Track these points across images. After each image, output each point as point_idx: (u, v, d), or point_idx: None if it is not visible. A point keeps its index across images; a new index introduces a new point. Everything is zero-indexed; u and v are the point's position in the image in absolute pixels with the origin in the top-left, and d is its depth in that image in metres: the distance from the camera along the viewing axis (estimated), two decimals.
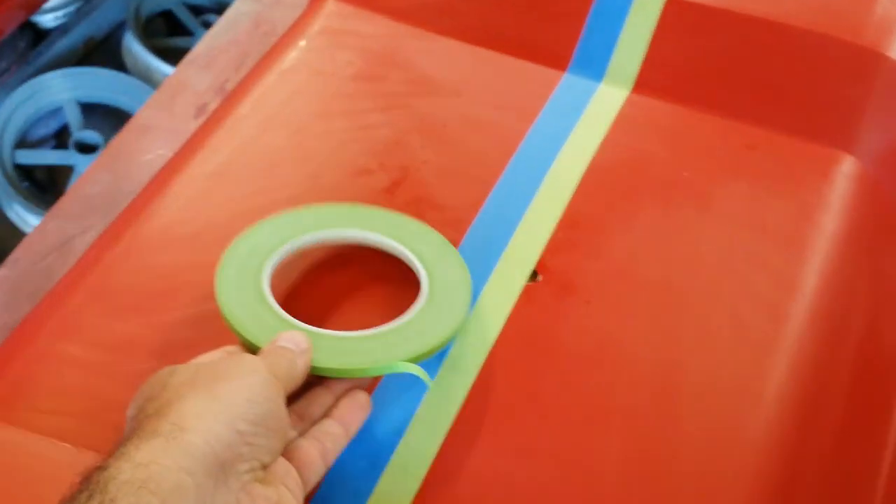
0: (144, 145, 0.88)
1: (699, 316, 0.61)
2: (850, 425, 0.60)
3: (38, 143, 1.39)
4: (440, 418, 0.56)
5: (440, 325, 0.58)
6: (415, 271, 0.61)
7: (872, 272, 0.66)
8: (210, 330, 0.58)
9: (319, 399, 0.52)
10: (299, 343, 0.51)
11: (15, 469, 0.56)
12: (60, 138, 1.39)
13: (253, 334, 0.54)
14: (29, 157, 1.34)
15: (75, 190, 0.85)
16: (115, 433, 0.46)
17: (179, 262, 0.64)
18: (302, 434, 0.50)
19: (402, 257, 0.62)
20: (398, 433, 0.56)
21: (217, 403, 0.43)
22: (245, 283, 0.58)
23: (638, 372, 0.59)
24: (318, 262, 0.64)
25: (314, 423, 0.51)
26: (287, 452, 0.47)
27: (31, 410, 0.58)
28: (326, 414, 0.52)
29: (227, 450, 0.42)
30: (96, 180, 0.85)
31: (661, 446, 0.56)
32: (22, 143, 1.36)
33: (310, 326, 0.57)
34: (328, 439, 0.49)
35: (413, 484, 0.53)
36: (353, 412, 0.51)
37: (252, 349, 0.54)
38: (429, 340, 0.56)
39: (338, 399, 0.52)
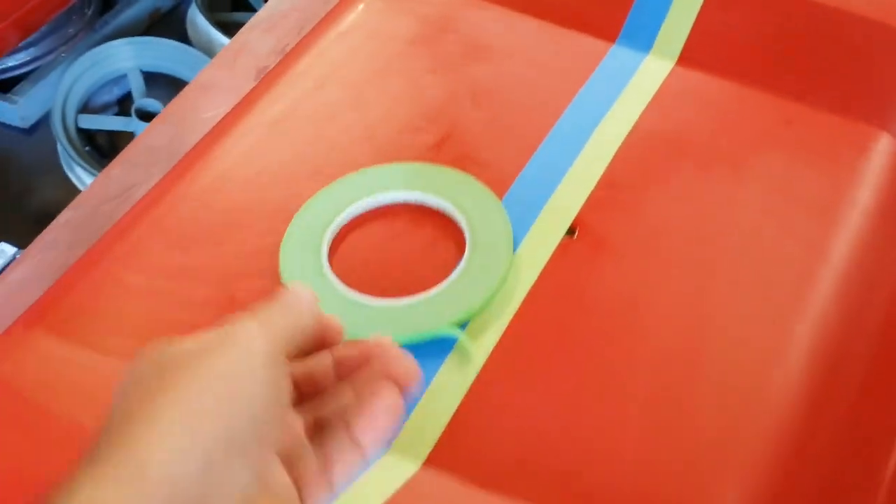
0: (205, 103, 0.92)
1: (729, 276, 0.63)
2: (869, 390, 0.62)
3: (100, 110, 1.44)
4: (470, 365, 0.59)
5: (480, 287, 0.61)
6: (461, 228, 0.65)
7: None
8: (264, 263, 0.63)
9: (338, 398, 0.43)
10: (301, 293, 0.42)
11: (76, 385, 0.60)
12: (122, 105, 1.44)
13: None
14: (92, 122, 1.39)
15: (139, 141, 0.89)
16: None
17: (238, 201, 0.68)
18: (312, 431, 0.41)
19: (449, 215, 0.66)
20: (427, 376, 0.58)
21: (194, 421, 0.35)
22: (306, 256, 0.64)
23: (666, 326, 0.61)
24: (370, 224, 0.68)
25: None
26: (289, 462, 0.39)
27: (94, 332, 0.63)
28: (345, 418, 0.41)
29: (199, 486, 0.34)
30: (159, 133, 0.89)
31: (685, 398, 0.58)
32: (85, 108, 1.42)
33: (361, 297, 0.61)
34: (339, 464, 0.40)
35: (437, 429, 0.56)
36: (375, 423, 0.41)
37: None
38: (470, 304, 0.60)
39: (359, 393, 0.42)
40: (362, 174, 0.68)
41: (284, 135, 0.72)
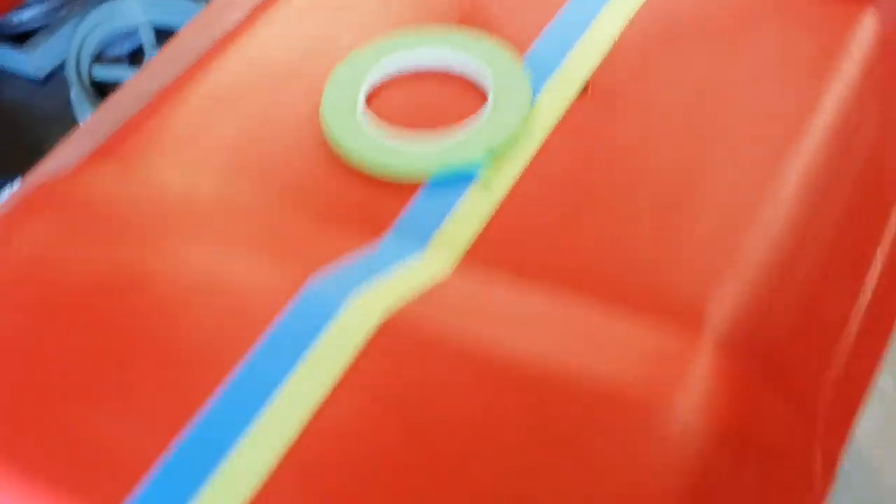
0: (230, 14, 0.97)
1: (726, 126, 0.68)
2: (851, 214, 0.67)
3: (113, 62, 1.49)
4: (483, 205, 0.64)
5: (501, 131, 0.67)
6: (484, 85, 0.71)
7: (882, 111, 0.73)
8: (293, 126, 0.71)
9: None
10: None
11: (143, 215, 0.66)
12: (134, 59, 1.49)
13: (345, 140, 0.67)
14: (106, 73, 1.44)
15: (167, 47, 0.94)
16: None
17: (276, 70, 0.76)
18: None
19: (473, 72, 0.72)
20: (451, 203, 0.64)
21: None
22: (342, 105, 0.71)
23: (665, 166, 0.66)
24: (401, 82, 0.74)
25: None
26: None
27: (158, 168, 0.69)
28: None
29: None
30: (187, 35, 0.94)
31: (681, 224, 0.62)
32: (98, 60, 1.46)
33: (392, 130, 0.68)
34: None
35: (448, 262, 0.61)
36: None
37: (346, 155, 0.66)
38: (493, 141, 0.66)
39: None
40: (390, 39, 0.75)
41: (308, 19, 0.80)
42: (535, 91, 0.71)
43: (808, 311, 0.61)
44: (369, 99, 0.73)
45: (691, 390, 0.52)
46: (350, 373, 0.54)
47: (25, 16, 1.44)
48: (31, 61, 1.42)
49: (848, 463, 1.47)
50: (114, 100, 0.90)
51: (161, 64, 0.91)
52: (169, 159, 0.70)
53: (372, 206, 0.65)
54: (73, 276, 0.63)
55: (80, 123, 1.40)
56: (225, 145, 0.71)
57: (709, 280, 0.58)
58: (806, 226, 0.63)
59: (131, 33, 1.45)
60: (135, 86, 0.90)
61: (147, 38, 1.44)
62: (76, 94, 1.37)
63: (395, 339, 0.55)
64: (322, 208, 0.66)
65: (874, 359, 0.65)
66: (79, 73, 1.40)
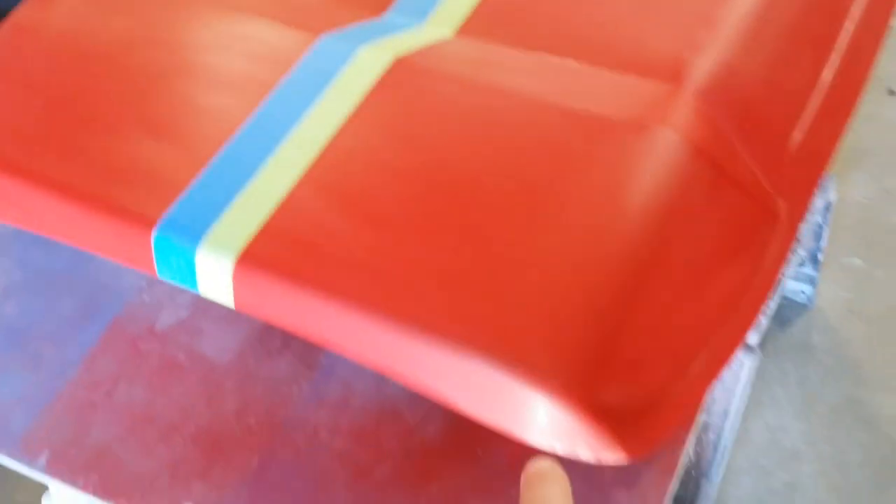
0: None
1: None
2: None
3: None
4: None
5: None
6: None
7: None
8: None
9: None
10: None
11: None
12: None
13: None
14: None
15: None
16: None
17: None
18: None
19: None
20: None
21: None
22: None
23: None
24: None
25: None
26: None
27: None
28: None
29: None
30: None
31: None
32: None
33: None
34: None
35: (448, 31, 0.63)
36: None
37: None
38: None
39: None
40: None
41: None
42: None
43: (779, 73, 0.66)
44: None
45: (674, 123, 0.57)
46: (365, 105, 0.58)
47: None
48: None
49: (816, 335, 1.55)
50: None
51: None
52: None
53: None
54: (110, 35, 0.65)
55: None
56: None
57: (689, 41, 0.63)
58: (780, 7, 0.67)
59: None
60: None
61: None
62: None
63: (405, 76, 0.59)
64: None
65: (840, 124, 0.71)
66: None
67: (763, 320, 1.18)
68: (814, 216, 1.20)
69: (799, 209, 0.62)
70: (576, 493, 0.55)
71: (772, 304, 1.23)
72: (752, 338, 1.15)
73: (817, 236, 1.33)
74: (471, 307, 0.49)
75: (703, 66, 0.60)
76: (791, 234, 0.61)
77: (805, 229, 1.24)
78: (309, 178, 0.53)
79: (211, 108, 0.58)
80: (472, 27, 0.62)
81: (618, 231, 0.51)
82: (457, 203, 0.51)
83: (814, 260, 1.39)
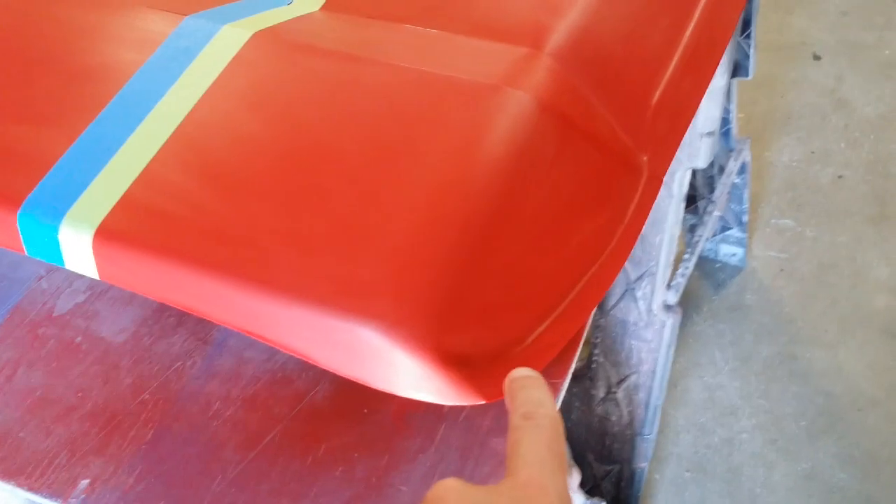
0: None
1: None
2: None
3: None
4: None
5: None
6: None
7: None
8: None
9: None
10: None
11: None
12: None
13: None
14: None
15: None
16: None
17: None
18: None
19: None
20: None
21: None
22: None
23: None
24: None
25: None
26: None
27: None
28: None
29: None
30: None
31: None
32: None
33: None
34: None
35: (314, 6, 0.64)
36: None
37: None
38: None
39: None
40: None
41: None
42: None
43: (640, 32, 0.66)
44: None
45: (526, 84, 0.57)
46: (222, 77, 0.57)
47: None
48: None
49: (749, 295, 1.59)
50: None
51: None
52: None
53: None
54: None
55: None
56: None
57: (548, 4, 0.64)
58: None
59: None
60: None
61: None
62: None
63: (262, 49, 0.59)
64: None
65: (702, 80, 0.73)
66: None
67: (681, 280, 1.22)
68: (730, 178, 1.23)
69: (663, 161, 0.65)
70: (455, 440, 0.58)
71: (692, 267, 1.26)
72: (671, 297, 1.19)
73: (739, 198, 1.37)
74: (322, 267, 0.51)
75: (561, 28, 0.62)
76: (655, 185, 0.63)
77: (724, 194, 1.27)
78: (166, 152, 0.55)
79: (77, 91, 0.60)
80: (338, 1, 0.64)
81: (466, 186, 0.53)
82: (310, 168, 0.54)
83: (739, 222, 1.43)
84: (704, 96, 0.99)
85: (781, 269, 1.62)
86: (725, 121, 1.18)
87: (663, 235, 1.09)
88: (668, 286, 1.13)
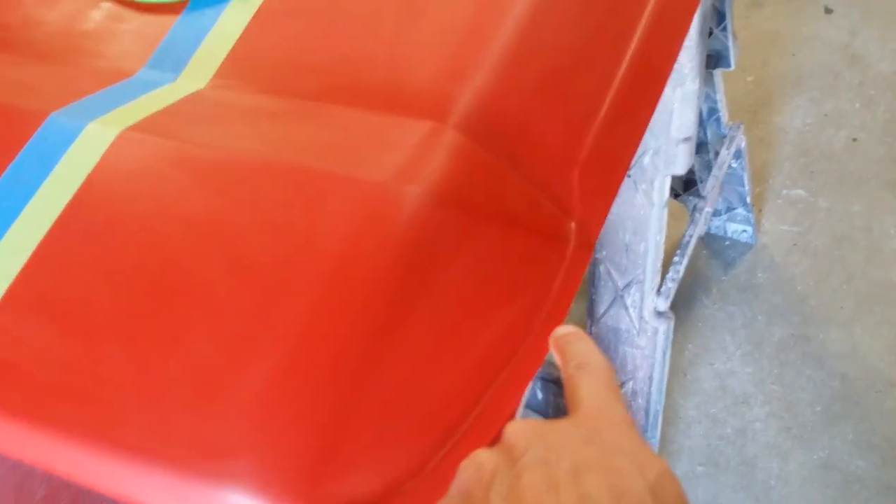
0: None
1: None
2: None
3: None
4: (240, 18, 0.62)
5: None
6: None
7: None
8: None
9: None
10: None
11: None
12: None
13: None
14: None
15: None
16: None
17: None
18: None
19: None
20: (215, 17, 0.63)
21: None
22: None
23: None
24: None
25: None
26: None
27: None
28: None
29: None
30: None
31: (425, 19, 0.59)
32: None
33: None
34: None
35: (222, 54, 0.60)
36: None
37: None
38: None
39: None
40: None
41: None
42: None
43: (559, 85, 0.59)
44: None
45: (422, 174, 0.51)
46: (80, 194, 0.52)
47: None
48: None
49: (761, 273, 1.52)
50: None
51: None
52: None
53: (135, 33, 0.62)
54: None
55: None
56: None
57: (452, 69, 0.57)
58: (553, 13, 0.60)
59: None
60: None
61: None
62: None
63: (130, 151, 0.54)
64: (88, 40, 0.63)
65: (638, 126, 0.66)
66: None
67: (672, 285, 1.16)
68: (722, 171, 1.16)
69: (594, 224, 0.59)
70: None
71: (683, 271, 1.20)
72: (662, 303, 1.13)
73: (739, 180, 1.30)
74: (178, 424, 0.46)
75: (467, 95, 0.56)
76: (585, 253, 0.58)
77: (715, 189, 1.20)
78: (15, 288, 0.50)
79: None
80: (226, 76, 0.59)
81: (341, 309, 0.48)
82: (169, 304, 0.48)
83: (743, 203, 1.36)
84: (678, 102, 0.92)
85: (794, 244, 1.54)
86: (713, 110, 1.10)
87: (647, 243, 1.03)
88: (658, 292, 1.08)
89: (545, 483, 0.35)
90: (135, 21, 0.62)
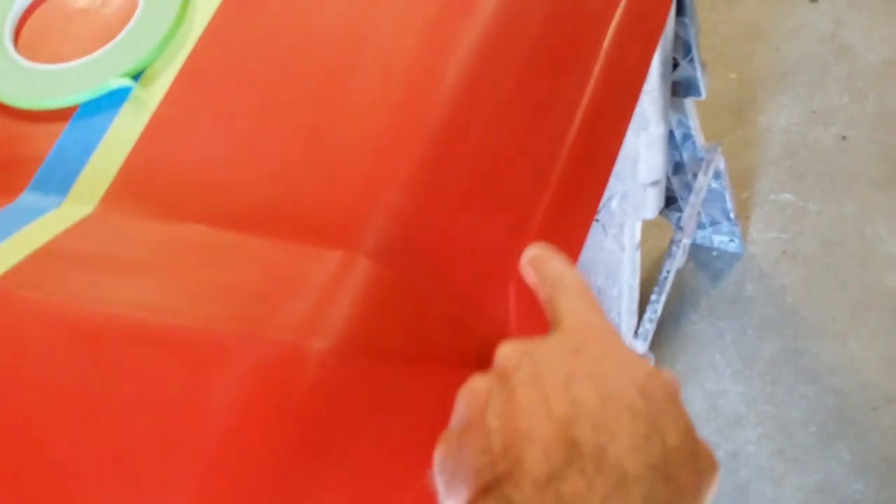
0: None
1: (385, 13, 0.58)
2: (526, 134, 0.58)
3: None
4: (130, 131, 0.55)
5: (151, 35, 0.58)
6: None
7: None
8: None
9: None
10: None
11: None
12: None
13: None
14: None
15: None
16: None
17: None
18: None
19: None
20: (103, 128, 0.56)
21: None
22: None
23: (340, 26, 0.57)
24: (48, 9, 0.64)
25: None
26: None
27: None
28: None
29: None
30: None
31: (343, 118, 0.54)
32: None
33: (32, 64, 0.59)
34: None
35: (110, 175, 0.53)
36: None
37: None
38: (140, 55, 0.57)
39: None
40: None
41: None
42: None
43: (484, 203, 0.54)
44: (19, 28, 0.63)
45: (338, 314, 0.46)
46: None
47: None
48: None
49: (750, 284, 1.45)
50: None
51: None
52: None
53: (18, 146, 0.56)
54: None
55: None
56: None
57: (363, 191, 0.50)
58: (468, 139, 0.53)
59: None
60: None
61: None
62: None
63: None
64: None
65: (580, 227, 0.61)
66: None
67: (650, 326, 1.09)
68: (703, 191, 1.10)
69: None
70: None
71: (661, 310, 1.14)
72: (640, 345, 1.07)
73: (721, 197, 1.23)
74: None
75: (379, 217, 0.49)
76: None
77: (696, 210, 1.13)
78: None
79: None
80: (116, 198, 0.52)
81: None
82: (25, 492, 0.43)
83: (727, 218, 1.29)
84: (644, 147, 0.85)
85: (783, 252, 1.48)
86: (687, 135, 1.03)
87: (620, 287, 0.97)
88: (636, 334, 1.02)
89: (537, 396, 0.36)
90: (17, 130, 0.55)
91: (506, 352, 0.40)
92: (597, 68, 0.63)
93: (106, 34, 0.59)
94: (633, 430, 0.35)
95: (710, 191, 1.18)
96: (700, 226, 1.34)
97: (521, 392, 0.37)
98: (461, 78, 0.53)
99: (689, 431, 0.37)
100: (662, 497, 0.34)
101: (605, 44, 0.65)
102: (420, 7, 0.56)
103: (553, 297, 0.44)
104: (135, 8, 0.60)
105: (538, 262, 0.46)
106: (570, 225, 0.55)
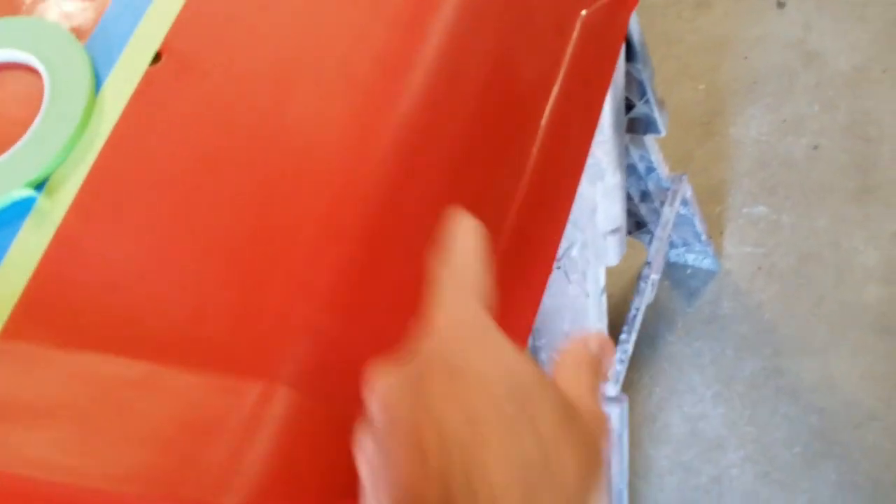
0: None
1: (312, 84, 0.56)
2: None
3: None
4: (31, 249, 0.52)
5: (55, 141, 0.54)
6: (39, 74, 0.58)
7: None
8: None
9: None
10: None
11: None
12: None
13: None
14: None
15: None
16: None
17: None
18: None
19: (25, 62, 0.59)
20: (4, 246, 0.52)
21: None
22: None
23: (256, 128, 0.55)
24: None
25: None
26: None
27: None
28: None
29: None
30: None
31: (278, 215, 0.51)
32: None
33: None
34: None
35: (11, 301, 0.50)
36: None
37: None
38: (43, 161, 0.54)
39: None
40: None
41: None
42: (102, 76, 0.57)
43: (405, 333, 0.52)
44: None
45: (254, 465, 0.43)
46: None
47: None
48: None
49: (726, 302, 1.42)
50: None
51: None
52: None
53: None
54: None
55: None
56: None
57: (281, 311, 0.48)
58: (395, 242, 0.51)
59: None
60: None
61: None
62: None
63: None
64: None
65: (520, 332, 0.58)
66: None
67: (621, 368, 1.07)
68: (669, 224, 1.07)
69: None
70: None
71: (631, 350, 1.11)
72: (612, 389, 1.04)
73: (689, 223, 1.21)
74: None
75: (301, 341, 0.46)
76: None
77: (660, 254, 1.11)
78: None
79: None
80: (19, 326, 0.49)
81: None
82: None
83: (699, 240, 1.27)
84: (601, 195, 0.82)
85: (759, 267, 1.45)
86: (651, 168, 1.01)
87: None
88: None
89: (416, 453, 0.35)
90: None
91: (382, 387, 0.37)
92: (541, 130, 0.60)
93: (5, 139, 0.55)
94: (500, 437, 0.35)
95: (679, 216, 1.15)
96: (672, 244, 1.31)
97: (402, 453, 0.35)
98: (387, 177, 0.49)
99: (562, 408, 0.36)
100: (545, 483, 0.34)
101: (550, 102, 0.62)
102: (343, 99, 0.53)
103: (436, 280, 0.41)
104: (37, 110, 0.55)
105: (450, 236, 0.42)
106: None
